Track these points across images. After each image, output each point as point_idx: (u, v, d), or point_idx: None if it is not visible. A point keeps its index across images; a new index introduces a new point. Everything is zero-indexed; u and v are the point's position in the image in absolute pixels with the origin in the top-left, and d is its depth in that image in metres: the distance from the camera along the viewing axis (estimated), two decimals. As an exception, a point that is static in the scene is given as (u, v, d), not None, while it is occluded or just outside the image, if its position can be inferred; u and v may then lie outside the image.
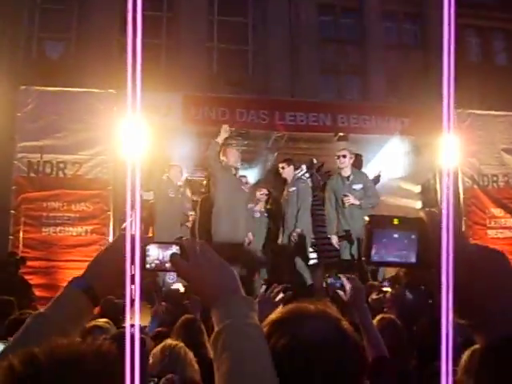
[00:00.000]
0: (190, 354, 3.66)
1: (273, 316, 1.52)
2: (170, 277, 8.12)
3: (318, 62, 15.84)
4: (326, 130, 10.58)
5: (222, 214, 8.69)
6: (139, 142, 1.04)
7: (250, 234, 9.18)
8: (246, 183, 9.70)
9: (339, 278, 3.00)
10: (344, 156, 9.12)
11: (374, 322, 3.83)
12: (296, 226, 9.18)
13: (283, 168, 9.58)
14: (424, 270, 1.00)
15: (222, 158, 8.88)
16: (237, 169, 9.16)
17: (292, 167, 9.62)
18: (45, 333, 1.03)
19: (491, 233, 11.10)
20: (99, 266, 1.51)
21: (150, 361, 3.35)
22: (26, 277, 8.28)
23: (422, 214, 1.03)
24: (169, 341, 3.73)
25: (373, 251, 1.01)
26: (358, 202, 8.89)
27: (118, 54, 12.77)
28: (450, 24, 0.95)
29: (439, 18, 0.98)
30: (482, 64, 16.81)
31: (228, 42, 15.54)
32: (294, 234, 9.07)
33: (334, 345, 1.41)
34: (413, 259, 1.01)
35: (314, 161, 10.67)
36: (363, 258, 1.04)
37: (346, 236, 9.00)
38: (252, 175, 10.52)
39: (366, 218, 1.04)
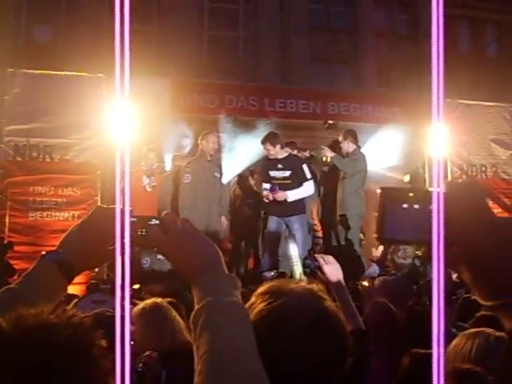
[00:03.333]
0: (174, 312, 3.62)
1: (257, 290, 1.53)
2: (143, 261, 8.06)
3: (309, 49, 15.80)
4: (316, 118, 10.58)
5: (192, 203, 8.66)
6: (128, 127, 1.03)
7: (223, 217, 9.02)
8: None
9: (315, 258, 3.01)
10: (340, 142, 9.07)
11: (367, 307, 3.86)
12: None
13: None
14: (444, 248, 0.90)
15: (200, 141, 8.81)
16: (215, 154, 9.05)
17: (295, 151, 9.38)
18: (13, 307, 0.97)
19: (478, 223, 11.16)
20: (74, 239, 1.46)
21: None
22: (12, 261, 8.22)
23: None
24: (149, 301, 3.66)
25: (386, 227, 0.92)
26: (332, 154, 8.88)
27: (107, 38, 12.64)
28: (438, 14, 0.95)
29: (430, 8, 0.97)
30: (472, 55, 16.84)
31: (218, 28, 15.46)
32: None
33: (302, 321, 1.42)
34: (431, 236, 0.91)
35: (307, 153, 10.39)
36: (375, 235, 0.94)
37: (341, 221, 8.95)
38: (242, 161, 10.48)
39: (379, 191, 0.95)
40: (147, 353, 3.08)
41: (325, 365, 1.40)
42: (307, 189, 8.38)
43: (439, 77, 0.92)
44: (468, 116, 11.00)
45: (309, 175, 8.41)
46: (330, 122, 10.59)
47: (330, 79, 15.83)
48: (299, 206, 8.45)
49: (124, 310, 0.94)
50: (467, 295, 5.31)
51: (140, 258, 8.00)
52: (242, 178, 10.25)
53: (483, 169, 11.32)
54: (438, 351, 0.82)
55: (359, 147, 9.25)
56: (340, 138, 9.06)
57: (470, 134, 10.96)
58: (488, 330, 2.52)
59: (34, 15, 14.33)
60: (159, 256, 7.93)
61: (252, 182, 10.15)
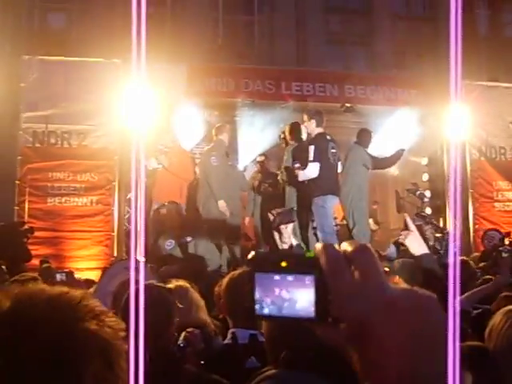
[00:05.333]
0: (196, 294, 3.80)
1: None
2: (168, 243, 8.09)
3: (325, 32, 15.66)
4: (333, 101, 10.51)
5: (212, 194, 8.75)
6: (144, 112, 1.02)
7: (221, 201, 8.81)
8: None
9: None
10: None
11: None
12: None
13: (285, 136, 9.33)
14: (328, 327, 0.75)
15: (218, 133, 8.91)
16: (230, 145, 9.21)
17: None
18: None
19: (498, 206, 11.09)
20: None
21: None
22: (32, 247, 8.33)
23: (317, 250, 0.77)
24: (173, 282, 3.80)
25: (257, 302, 0.77)
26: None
27: (121, 24, 12.64)
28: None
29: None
30: (491, 36, 16.61)
31: (233, 12, 15.37)
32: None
33: None
34: (311, 313, 0.76)
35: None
36: (245, 311, 0.79)
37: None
38: (259, 145, 10.46)
39: (249, 256, 0.80)
40: (189, 329, 3.18)
41: None
42: (308, 171, 8.37)
43: (457, 58, 0.91)
44: (487, 97, 10.88)
45: (311, 157, 8.36)
46: (347, 104, 10.52)
47: (346, 61, 15.69)
48: (317, 188, 8.42)
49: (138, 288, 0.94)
50: (488, 277, 5.30)
51: (164, 240, 8.03)
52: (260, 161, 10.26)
53: (502, 151, 11.22)
54: (453, 332, 0.81)
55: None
56: (304, 118, 8.80)
57: (489, 115, 10.85)
58: None
59: (48, 2, 14.35)
60: (188, 238, 7.97)
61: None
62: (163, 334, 2.64)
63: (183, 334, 3.15)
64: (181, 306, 3.06)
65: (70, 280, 6.03)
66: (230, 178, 8.95)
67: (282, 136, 9.35)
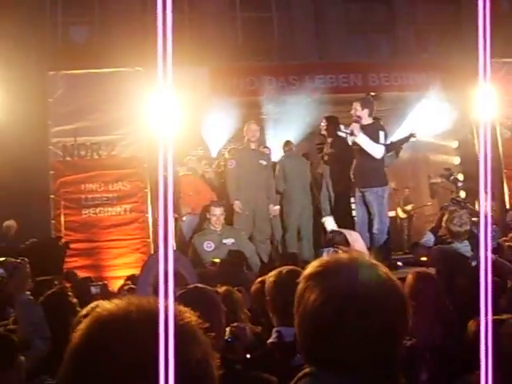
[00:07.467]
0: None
1: (307, 270, 1.45)
2: (208, 244, 7.86)
3: (344, 22, 15.54)
4: (358, 91, 10.42)
5: (240, 191, 8.78)
6: (170, 118, 1.02)
7: (271, 206, 9.08)
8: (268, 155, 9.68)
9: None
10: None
11: (410, 275, 3.81)
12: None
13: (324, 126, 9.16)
14: None
15: (244, 131, 9.01)
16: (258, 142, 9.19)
17: (333, 126, 9.04)
18: None
19: (534, 183, 10.88)
20: None
21: None
22: (71, 259, 8.45)
23: None
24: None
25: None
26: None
27: (141, 32, 12.73)
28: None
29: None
30: (513, 11, 16.30)
31: (251, 10, 15.35)
32: None
33: (366, 295, 1.33)
34: None
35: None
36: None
37: None
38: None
39: None
40: (236, 324, 3.19)
41: (393, 337, 1.35)
42: (376, 149, 8.06)
43: (486, 36, 0.88)
44: (514, 74, 10.68)
45: (382, 141, 8.14)
46: (372, 93, 10.42)
47: (368, 50, 15.54)
48: (377, 179, 8.24)
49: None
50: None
51: (202, 242, 7.81)
52: None
53: (535, 127, 10.99)
54: (485, 319, 0.80)
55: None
56: (356, 106, 8.31)
57: (517, 92, 10.64)
58: None
59: (68, 17, 14.51)
60: (225, 240, 7.86)
61: None
62: (216, 336, 2.63)
63: (228, 328, 3.14)
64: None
65: (105, 292, 6.08)
66: (256, 176, 8.89)
67: (322, 131, 9.21)
